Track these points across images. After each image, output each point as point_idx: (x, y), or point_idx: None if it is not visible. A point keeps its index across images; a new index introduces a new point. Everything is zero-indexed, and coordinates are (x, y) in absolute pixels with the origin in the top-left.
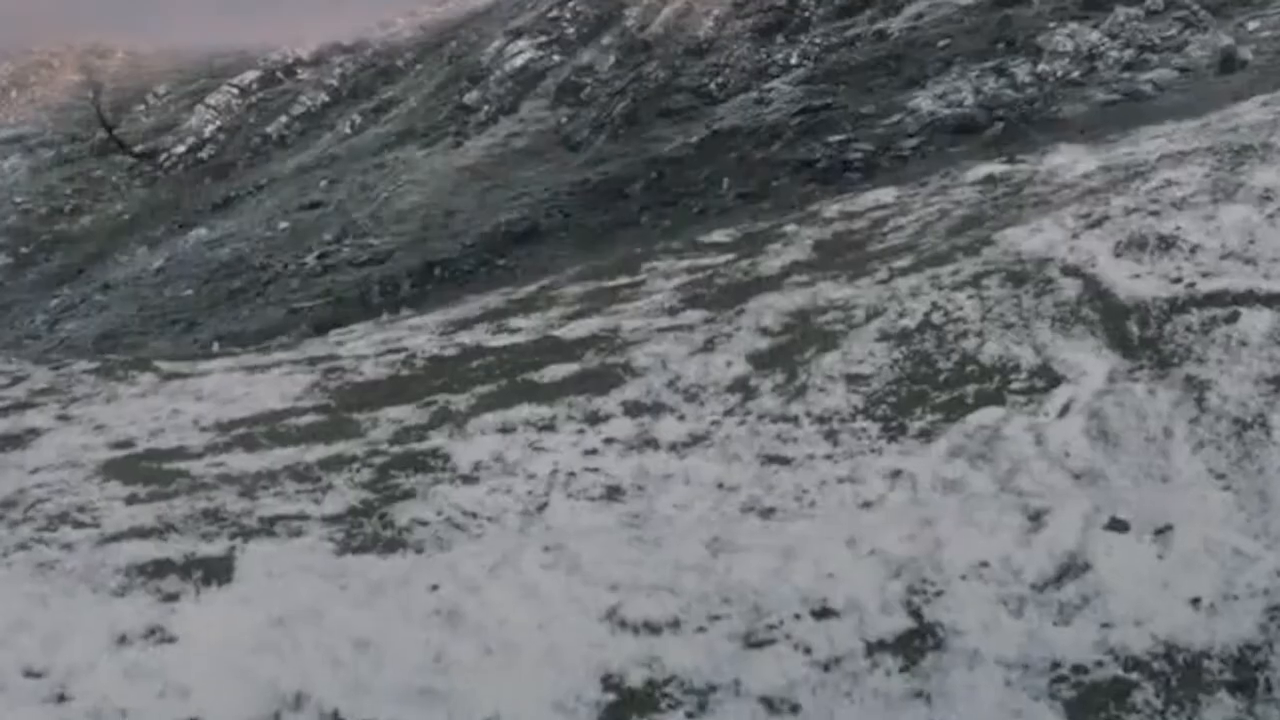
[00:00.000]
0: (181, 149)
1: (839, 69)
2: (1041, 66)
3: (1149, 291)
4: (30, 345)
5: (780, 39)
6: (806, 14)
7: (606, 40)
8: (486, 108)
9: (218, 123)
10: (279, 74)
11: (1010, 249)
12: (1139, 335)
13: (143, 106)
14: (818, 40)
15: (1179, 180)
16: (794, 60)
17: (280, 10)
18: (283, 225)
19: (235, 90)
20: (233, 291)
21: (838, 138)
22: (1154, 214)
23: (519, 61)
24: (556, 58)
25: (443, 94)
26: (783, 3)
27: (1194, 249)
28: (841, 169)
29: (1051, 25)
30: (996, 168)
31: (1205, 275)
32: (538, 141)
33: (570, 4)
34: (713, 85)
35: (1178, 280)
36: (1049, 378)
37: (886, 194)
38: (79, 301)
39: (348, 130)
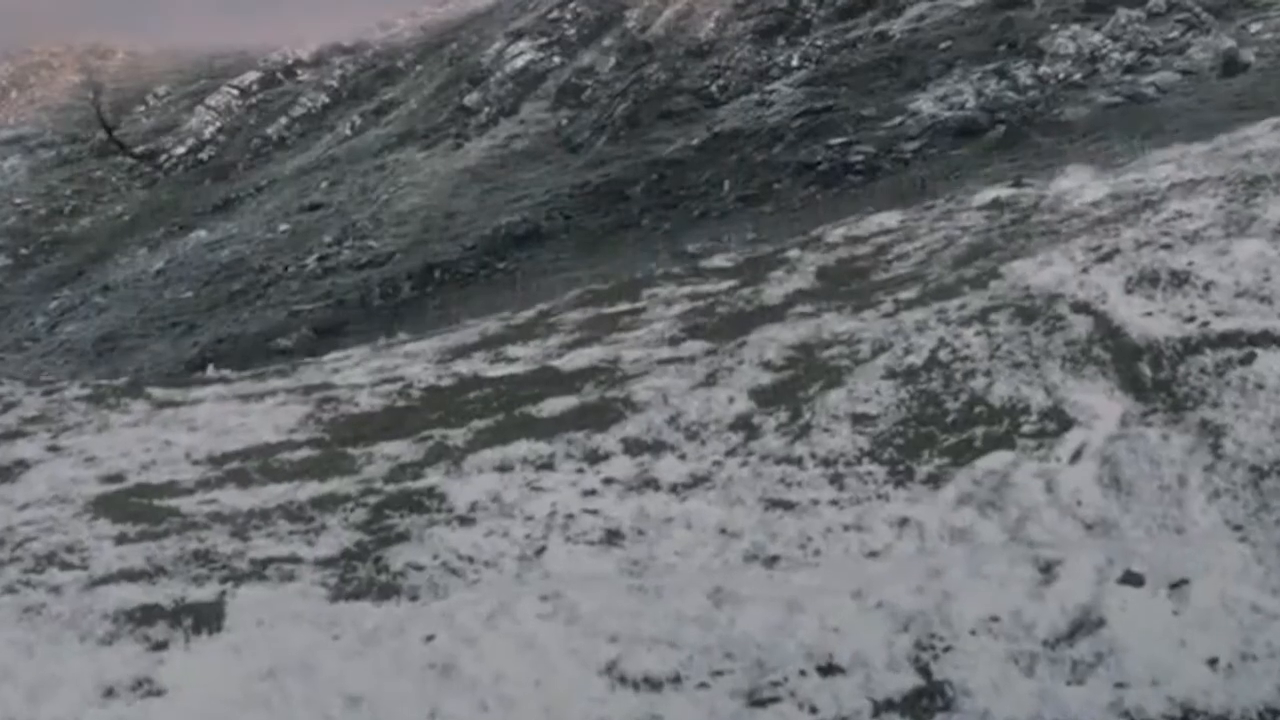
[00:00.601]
0: (181, 150)
1: (840, 71)
2: (1043, 69)
3: (1161, 331)
4: (30, 347)
5: (781, 41)
6: (808, 16)
7: (607, 42)
8: (487, 109)
9: (218, 124)
10: (279, 75)
11: (1019, 283)
12: (1152, 377)
13: (143, 107)
14: (819, 42)
15: (1191, 212)
16: (795, 62)
17: (280, 11)
18: (283, 227)
19: (235, 91)
20: (233, 294)
21: (839, 140)
22: (1166, 248)
23: (519, 63)
24: (557, 59)
25: (443, 95)
26: (784, 4)
27: (1207, 286)
28: (843, 171)
29: (1053, 27)
30: (1003, 191)
31: (1219, 314)
32: (538, 143)
33: (571, 5)
34: (714, 87)
35: (1191, 319)
36: (1060, 421)
37: (891, 218)
38: (79, 303)
39: (348, 132)
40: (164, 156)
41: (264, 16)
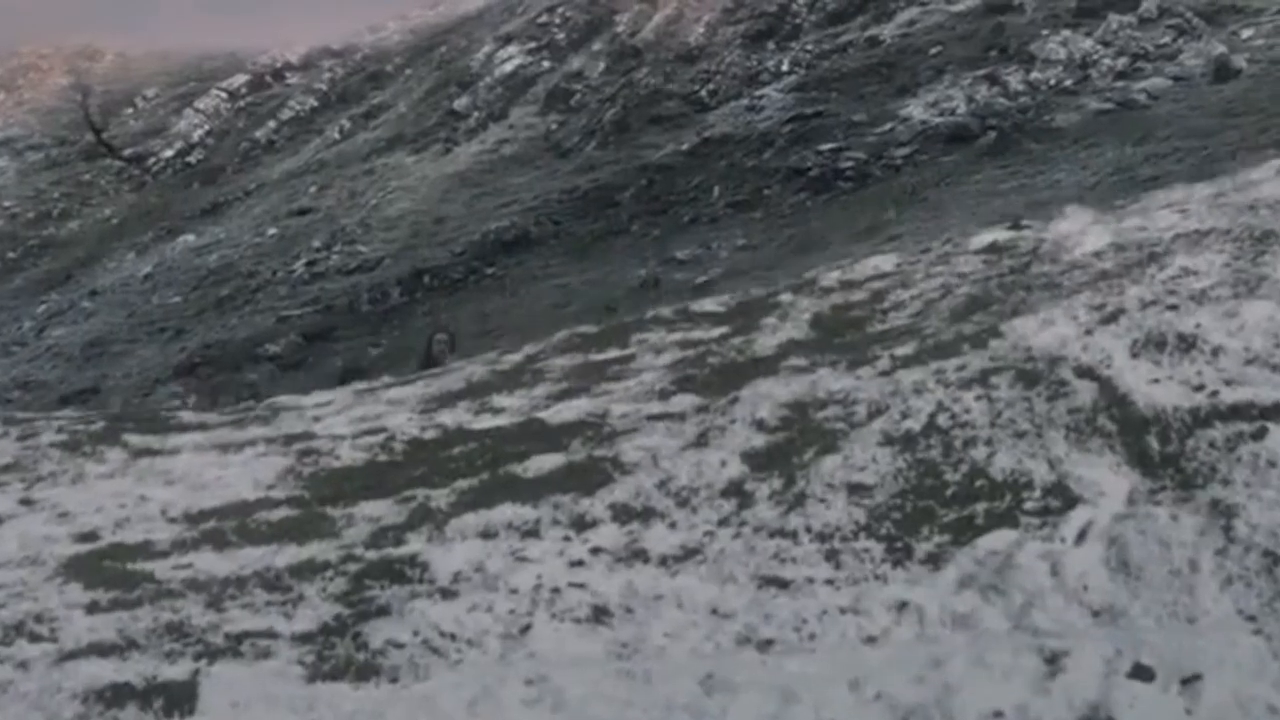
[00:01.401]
0: (170, 153)
1: (830, 76)
2: (1034, 74)
3: (1169, 400)
4: (18, 352)
5: (771, 45)
6: (798, 20)
7: (597, 46)
8: (476, 114)
9: (206, 127)
10: (268, 78)
11: (1020, 343)
12: (1159, 451)
13: (131, 109)
14: (809, 47)
15: (1197, 269)
16: (785, 67)
17: (270, 13)
18: (271, 232)
19: (224, 94)
20: (221, 299)
21: (829, 146)
22: (1172, 308)
23: (509, 67)
24: (546, 64)
25: (432, 99)
26: (774, 9)
27: (1216, 351)
28: (833, 177)
29: (1044, 32)
30: (1001, 234)
31: (1229, 383)
32: (527, 148)
33: (560, 9)
34: (704, 92)
35: (1200, 388)
36: (1064, 497)
37: (886, 261)
38: (67, 308)
39: (337, 135)
40: (152, 159)
41: (253, 18)
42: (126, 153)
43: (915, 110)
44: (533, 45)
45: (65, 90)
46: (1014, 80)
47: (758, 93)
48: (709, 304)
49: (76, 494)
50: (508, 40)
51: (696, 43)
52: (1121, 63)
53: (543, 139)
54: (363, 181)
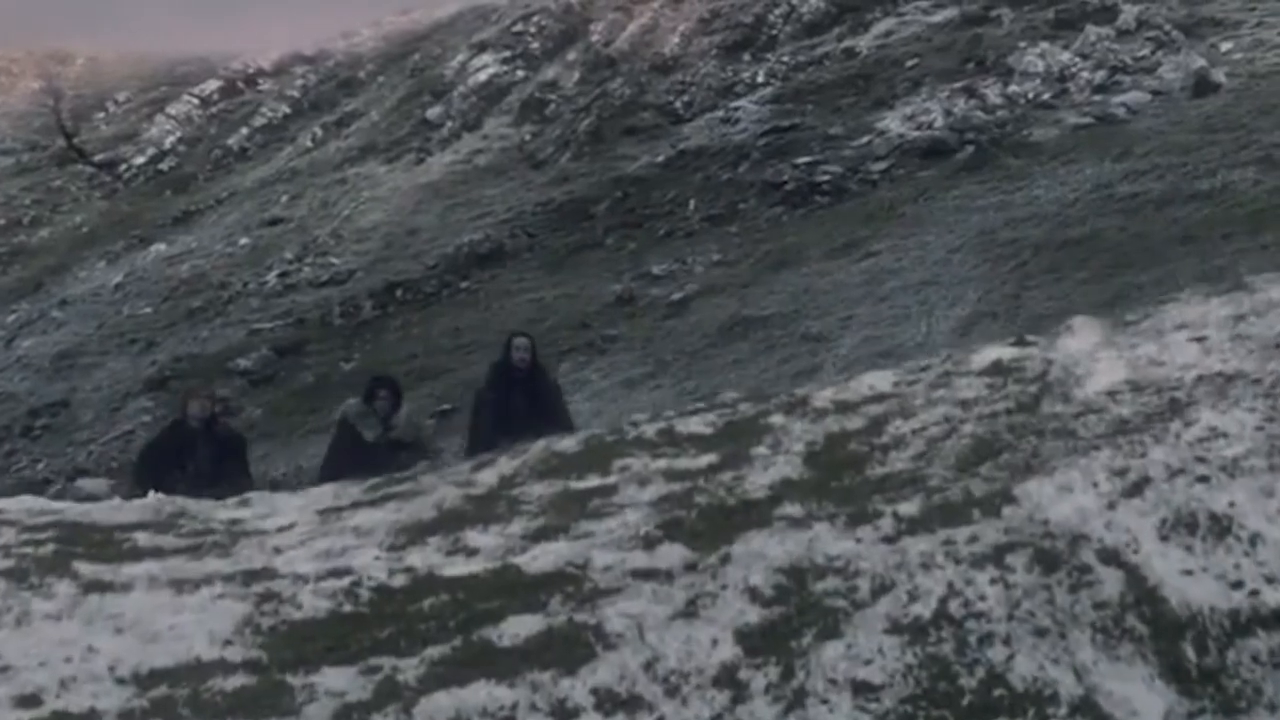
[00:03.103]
0: (141, 160)
1: (806, 88)
2: (1012, 87)
3: (1205, 598)
4: None
5: (747, 57)
6: (774, 31)
7: (571, 56)
8: (450, 123)
9: (178, 134)
10: (240, 84)
11: (1036, 514)
12: (1197, 663)
13: (103, 114)
14: (785, 58)
15: (1227, 430)
16: (761, 78)
17: (242, 17)
18: (243, 241)
19: (196, 100)
20: (192, 310)
21: (805, 159)
22: (1202, 480)
23: (483, 76)
24: (520, 73)
25: (405, 108)
26: (750, 19)
27: (1254, 539)
28: (809, 192)
29: (1022, 45)
30: (1005, 352)
31: (1270, 581)
32: (501, 159)
33: (535, 18)
34: (678, 103)
35: (1238, 584)
36: (1094, 716)
37: (882, 380)
38: (37, 317)
39: (309, 144)
40: (124, 166)
41: (225, 22)
42: (98, 158)
43: (892, 123)
44: (507, 54)
45: (36, 94)
46: (991, 93)
47: (733, 104)
48: (695, 424)
49: (20, 641)
50: (482, 49)
51: (671, 53)
52: (1100, 76)
53: (516, 150)
54: (335, 191)
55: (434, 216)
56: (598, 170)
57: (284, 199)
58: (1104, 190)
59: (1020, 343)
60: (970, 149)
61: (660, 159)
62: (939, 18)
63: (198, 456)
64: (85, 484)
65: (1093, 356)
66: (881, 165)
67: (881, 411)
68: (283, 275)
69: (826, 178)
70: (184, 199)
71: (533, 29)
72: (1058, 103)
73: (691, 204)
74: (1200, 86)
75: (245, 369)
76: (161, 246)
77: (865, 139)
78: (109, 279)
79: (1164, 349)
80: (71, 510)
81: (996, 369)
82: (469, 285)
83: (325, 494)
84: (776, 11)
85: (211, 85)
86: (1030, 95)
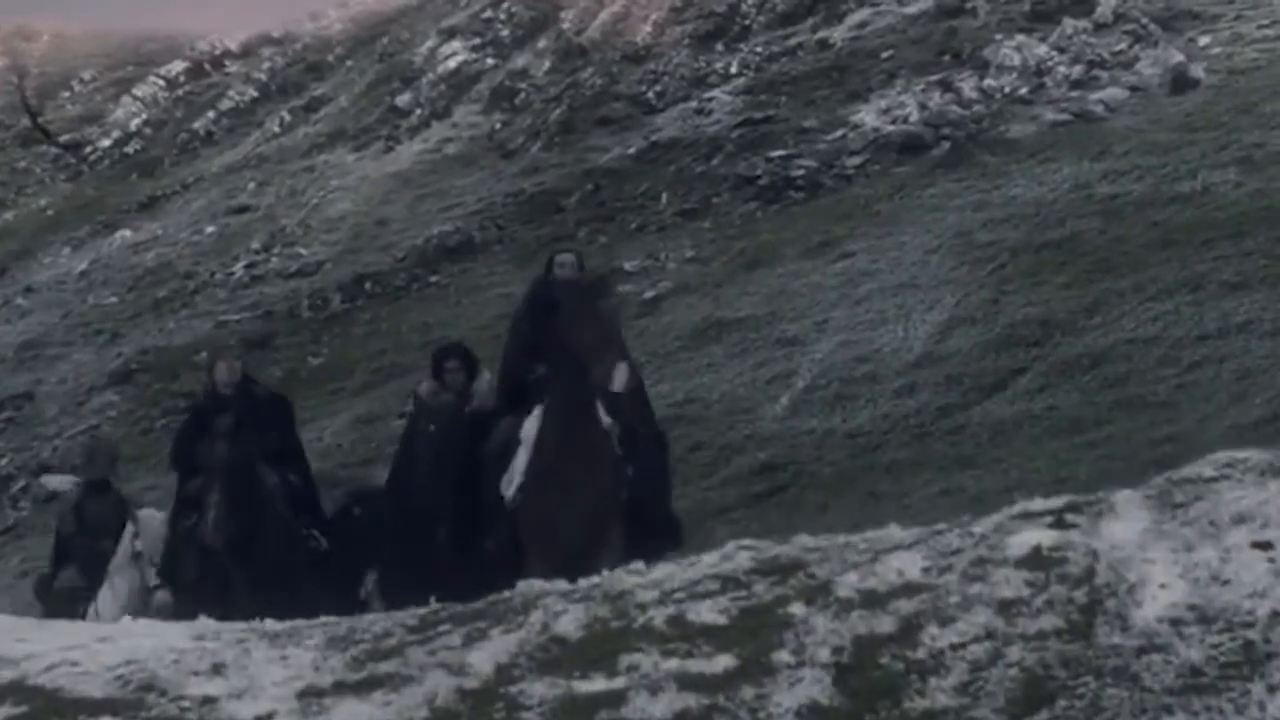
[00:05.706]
0: (107, 142)
1: (780, 79)
2: (988, 81)
3: None
4: None
5: (720, 47)
6: (747, 21)
7: (542, 44)
8: (419, 111)
9: (144, 116)
10: (207, 65)
11: None
12: None
13: (68, 93)
14: (758, 49)
15: None
16: (734, 69)
17: None
18: (210, 230)
19: (162, 82)
20: (158, 300)
21: (779, 153)
22: None
23: (452, 64)
24: (490, 60)
25: (374, 94)
26: (723, 8)
27: None
28: (784, 186)
29: (998, 37)
30: (1044, 537)
31: None
32: (471, 148)
33: (505, 4)
34: (651, 94)
35: None
36: None
37: (911, 564)
38: (1, 304)
39: (276, 129)
40: (89, 148)
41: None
42: (63, 139)
43: (867, 117)
44: (476, 41)
45: (1, 72)
46: (967, 87)
47: (706, 95)
48: (707, 611)
49: None
50: (451, 34)
51: (644, 42)
52: (1077, 71)
53: (486, 139)
54: (303, 179)
55: (403, 207)
56: (569, 161)
57: (251, 186)
58: (1083, 191)
59: (1059, 524)
60: (946, 145)
61: (632, 150)
62: (914, 9)
63: (238, 430)
64: (50, 480)
65: (1144, 553)
66: (856, 160)
67: (913, 611)
68: (250, 266)
69: (801, 172)
70: (149, 184)
71: (502, 15)
72: (1034, 98)
73: (664, 197)
74: (1179, 83)
75: (209, 364)
76: (127, 233)
77: (840, 132)
78: (74, 266)
79: (1226, 559)
80: (34, 670)
81: (1036, 560)
82: (439, 279)
83: (306, 665)
84: (749, 1)
85: (178, 66)
86: (1006, 90)
